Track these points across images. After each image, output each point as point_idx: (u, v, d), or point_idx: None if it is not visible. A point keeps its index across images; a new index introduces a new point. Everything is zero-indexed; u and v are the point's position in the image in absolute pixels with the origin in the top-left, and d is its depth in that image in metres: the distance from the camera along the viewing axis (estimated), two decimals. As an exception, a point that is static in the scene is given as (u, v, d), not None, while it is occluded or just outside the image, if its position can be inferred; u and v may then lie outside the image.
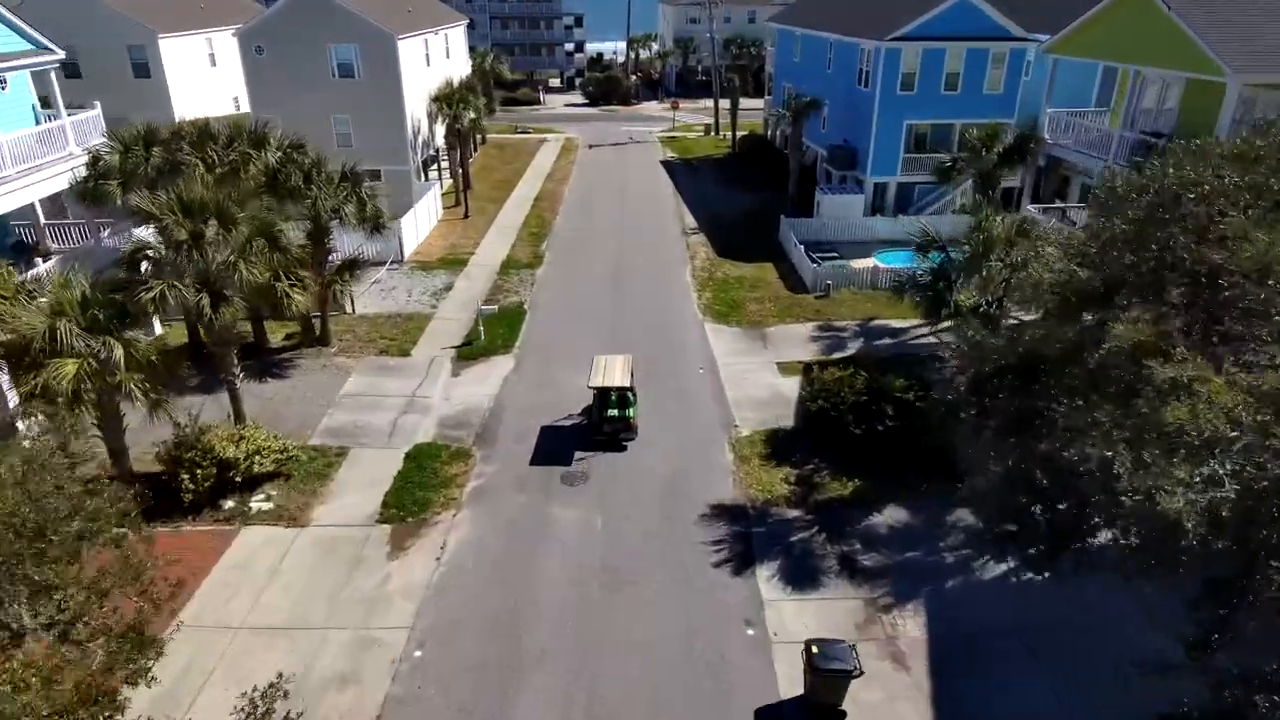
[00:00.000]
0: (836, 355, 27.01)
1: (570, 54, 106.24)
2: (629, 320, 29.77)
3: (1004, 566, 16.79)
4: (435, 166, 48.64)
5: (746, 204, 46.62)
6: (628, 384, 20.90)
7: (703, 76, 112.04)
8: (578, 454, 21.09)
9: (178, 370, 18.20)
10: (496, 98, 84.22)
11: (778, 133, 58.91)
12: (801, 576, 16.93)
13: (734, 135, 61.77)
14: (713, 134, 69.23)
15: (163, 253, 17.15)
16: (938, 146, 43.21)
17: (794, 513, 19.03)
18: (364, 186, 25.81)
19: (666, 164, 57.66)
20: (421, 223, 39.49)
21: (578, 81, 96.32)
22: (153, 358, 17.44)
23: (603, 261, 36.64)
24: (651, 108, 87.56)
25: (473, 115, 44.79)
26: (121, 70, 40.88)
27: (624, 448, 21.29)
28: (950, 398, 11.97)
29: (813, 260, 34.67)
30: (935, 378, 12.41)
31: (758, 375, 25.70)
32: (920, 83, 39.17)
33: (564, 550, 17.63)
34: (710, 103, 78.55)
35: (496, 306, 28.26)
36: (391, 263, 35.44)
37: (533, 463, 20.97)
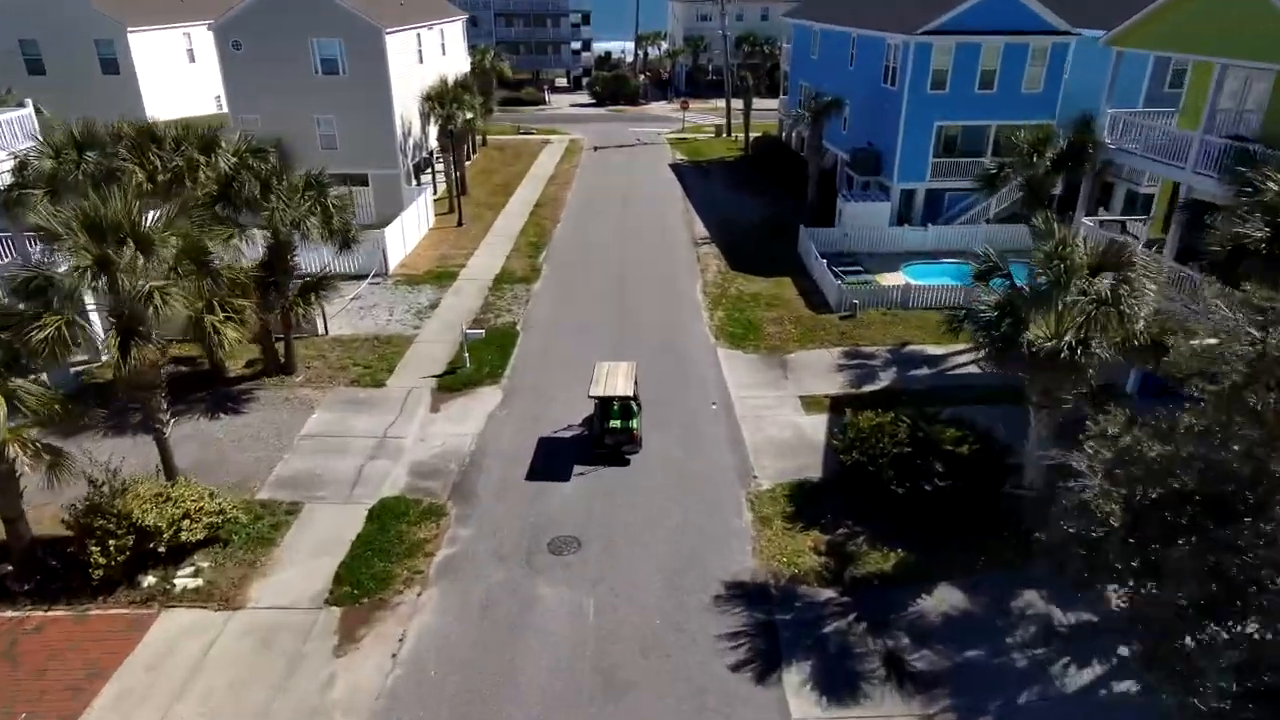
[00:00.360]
0: (868, 388, 23.80)
1: (577, 53, 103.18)
2: (633, 344, 26.62)
3: (1090, 674, 13.58)
4: (429, 170, 45.64)
5: (761, 211, 43.41)
6: (631, 393, 19.35)
7: (713, 76, 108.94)
8: (577, 468, 19.67)
9: (90, 415, 15.09)
10: (498, 97, 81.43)
11: (794, 134, 55.70)
12: (839, 684, 13.74)
13: (747, 137, 58.58)
14: (724, 135, 66.05)
15: (65, 280, 14.13)
16: (969, 150, 40.04)
17: (826, 593, 15.84)
18: (332, 195, 22.72)
19: (675, 167, 54.52)
20: (410, 231, 36.46)
21: (584, 81, 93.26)
22: (56, 406, 14.43)
23: (605, 275, 33.51)
24: (660, 108, 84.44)
25: (468, 115, 41.75)
26: (88, 67, 38.03)
27: (627, 461, 19.87)
28: (1094, 533, 8.43)
29: (836, 276, 31.49)
30: (1064, 498, 9.04)
31: (778, 412, 22.52)
32: (953, 81, 35.89)
33: (547, 647, 14.48)
34: (722, 103, 75.33)
35: (484, 331, 25.13)
36: (374, 276, 32.41)
37: (529, 477, 19.51)
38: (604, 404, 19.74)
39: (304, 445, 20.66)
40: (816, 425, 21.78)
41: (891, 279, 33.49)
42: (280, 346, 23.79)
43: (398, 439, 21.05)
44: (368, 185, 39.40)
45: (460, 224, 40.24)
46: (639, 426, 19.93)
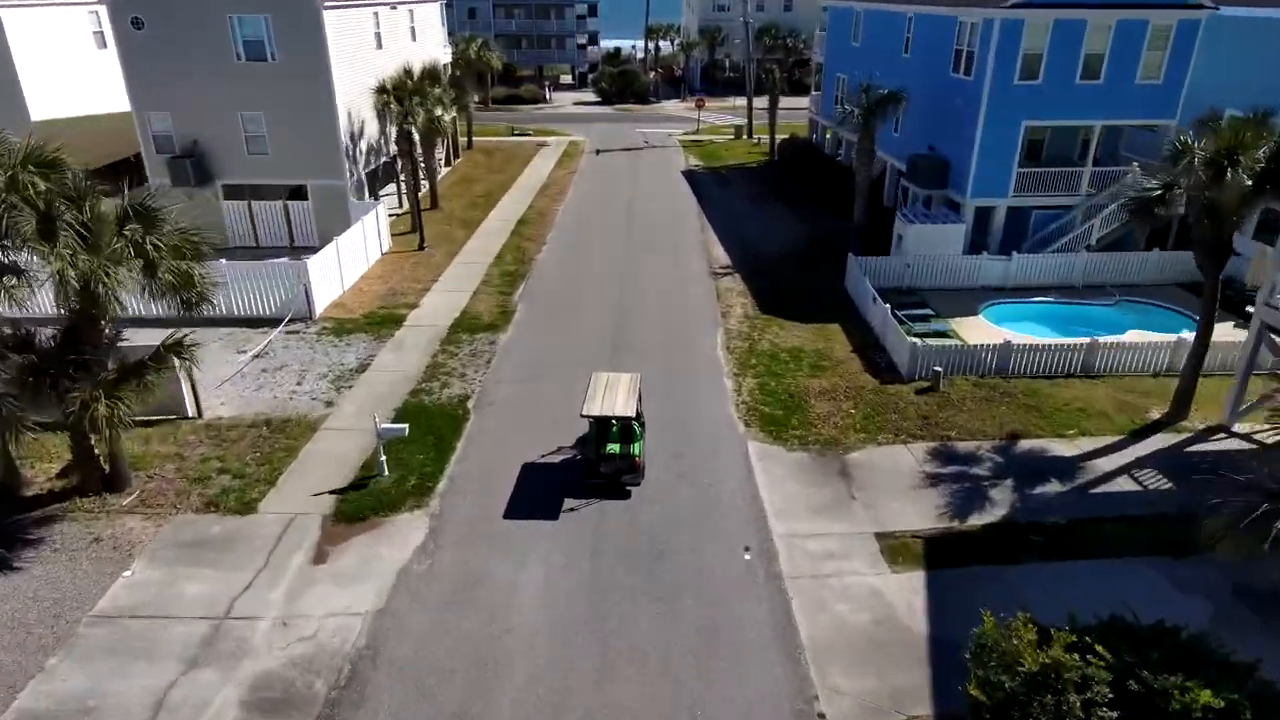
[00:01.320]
0: (977, 519, 15.83)
1: (582, 47, 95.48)
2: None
3: None
4: (396, 180, 37.96)
5: (795, 231, 35.42)
6: (633, 412, 16.04)
7: (730, 73, 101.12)
8: (568, 502, 16.53)
9: None
10: (492, 93, 73.98)
11: (828, 137, 47.74)
12: None
13: (772, 139, 50.60)
14: (745, 137, 58.09)
15: None
16: (1058, 157, 31.90)
17: None
18: (166, 231, 14.95)
19: (690, 175, 46.57)
20: (352, 259, 28.71)
21: (590, 77, 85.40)
22: None
23: (597, 321, 25.66)
24: (673, 107, 76.57)
25: (438, 113, 34.04)
26: (-51, 52, 30.63)
27: (627, 494, 16.69)
28: None
29: (903, 323, 23.55)
30: None
31: (847, 567, 14.58)
32: (1048, 68, 27.84)
33: None
34: (741, 101, 67.52)
35: (406, 428, 17.21)
36: (289, 323, 24.67)
37: (508, 515, 16.05)
38: (601, 425, 16.57)
39: (88, 639, 12.85)
40: (910, 595, 13.83)
41: (971, 326, 25.48)
42: (105, 450, 16.05)
43: (246, 622, 13.23)
44: (306, 199, 31.83)
45: (422, 247, 32.47)
46: (642, 451, 16.81)
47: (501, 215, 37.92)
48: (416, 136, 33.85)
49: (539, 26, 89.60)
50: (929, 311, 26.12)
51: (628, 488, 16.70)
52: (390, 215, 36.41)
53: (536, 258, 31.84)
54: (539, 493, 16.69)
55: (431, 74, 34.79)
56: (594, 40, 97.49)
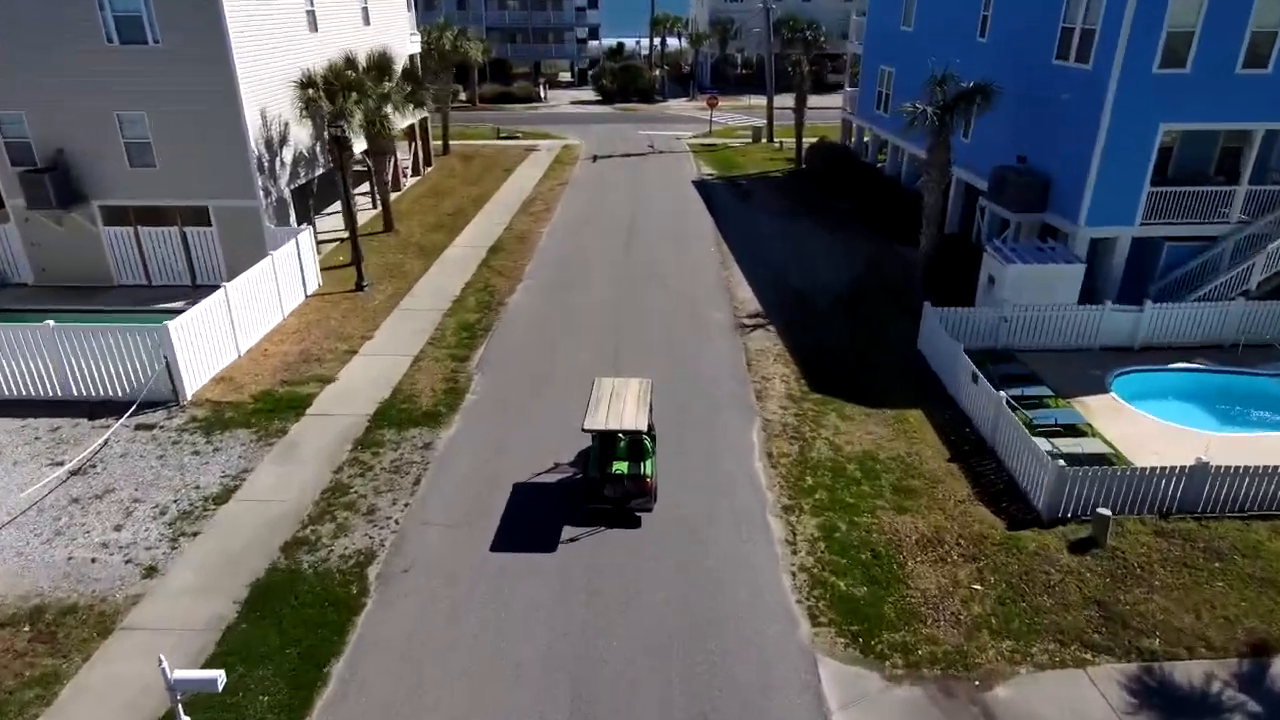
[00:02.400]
0: None
1: (582, 41, 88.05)
2: (621, 637, 11.54)
3: None
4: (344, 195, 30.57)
5: (837, 260, 27.97)
6: (644, 425, 13.55)
7: (743, 69, 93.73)
8: (567, 530, 13.75)
9: None
10: (483, 91, 66.43)
11: (865, 140, 40.31)
12: None
13: (799, 143, 43.12)
14: (765, 140, 50.61)
15: None
16: (1192, 173, 24.35)
17: None
18: None
19: (702, 186, 39.10)
20: (255, 310, 21.34)
21: (591, 74, 77.78)
22: None
23: (581, 407, 18.26)
24: (681, 106, 69.08)
25: (386, 113, 26.71)
26: None
27: (637, 522, 13.90)
28: None
29: (1014, 408, 16.14)
30: None
31: None
32: (1199, 51, 20.33)
33: None
34: (757, 99, 60.33)
35: (221, 678, 9.58)
36: (135, 413, 17.30)
37: (495, 548, 13.23)
38: (606, 440, 14.26)
39: None
40: None
41: (1105, 411, 18.09)
42: None
43: None
44: (210, 225, 24.50)
45: (360, 286, 25.11)
46: (654, 470, 14.17)
47: (471, 239, 30.50)
48: (361, 143, 26.50)
49: (535, 19, 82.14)
50: (1045, 392, 18.63)
51: (637, 514, 14.27)
52: (335, 240, 29.16)
53: (508, 301, 24.40)
54: (534, 519, 14.13)
55: (380, 64, 27.39)
56: (594, 35, 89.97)
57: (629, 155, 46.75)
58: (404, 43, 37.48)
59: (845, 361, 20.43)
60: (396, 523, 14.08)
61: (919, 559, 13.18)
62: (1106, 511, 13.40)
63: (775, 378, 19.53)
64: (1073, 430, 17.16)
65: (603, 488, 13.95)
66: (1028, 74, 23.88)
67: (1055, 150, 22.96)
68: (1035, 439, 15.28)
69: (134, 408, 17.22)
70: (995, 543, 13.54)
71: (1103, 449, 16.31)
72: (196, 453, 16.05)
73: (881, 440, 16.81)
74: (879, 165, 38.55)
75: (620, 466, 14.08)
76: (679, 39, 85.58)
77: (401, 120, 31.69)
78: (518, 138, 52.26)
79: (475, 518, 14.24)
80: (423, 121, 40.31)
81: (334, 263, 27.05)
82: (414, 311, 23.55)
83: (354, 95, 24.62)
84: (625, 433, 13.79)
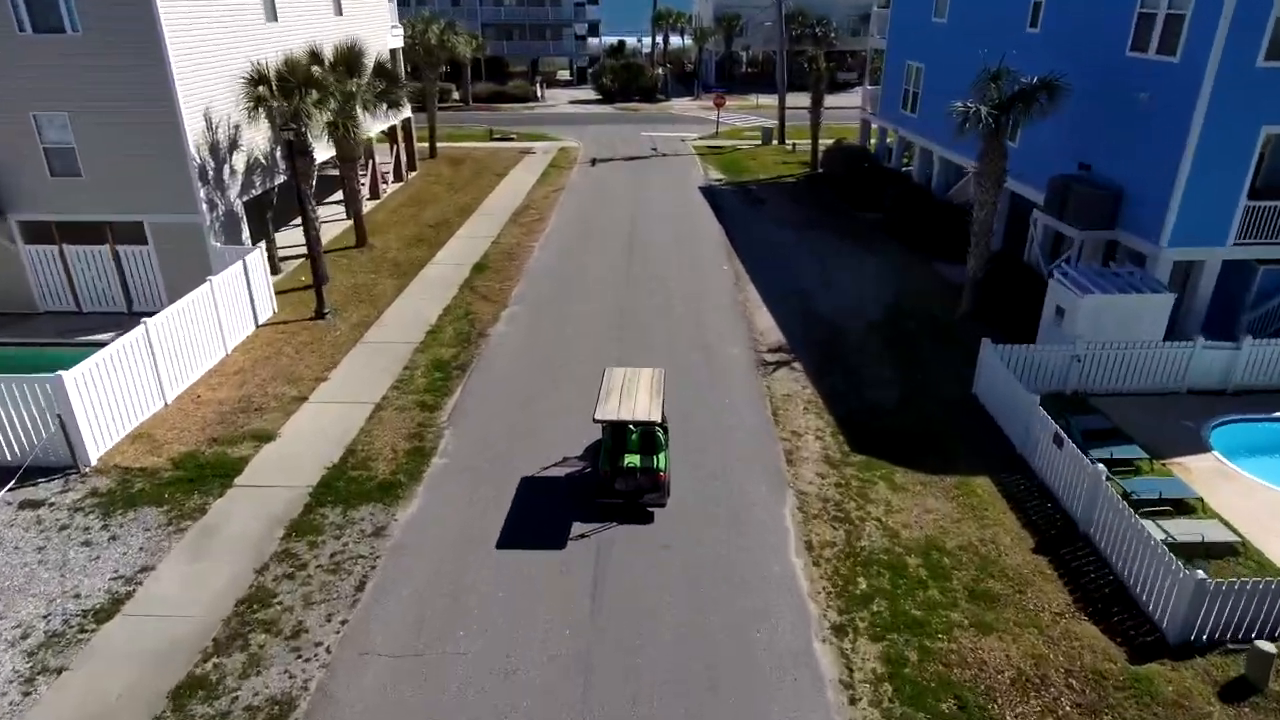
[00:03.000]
0: None
1: (581, 38, 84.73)
2: None
3: None
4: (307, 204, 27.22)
5: (866, 279, 24.65)
6: (658, 416, 13.06)
7: (748, 68, 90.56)
8: (576, 526, 13.07)
9: None
10: (476, 90, 62.92)
11: (889, 142, 37.03)
12: None
13: (814, 146, 39.78)
14: (777, 142, 47.25)
15: None
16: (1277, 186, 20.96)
17: None
18: None
19: (710, 193, 35.76)
20: (188, 347, 18.01)
21: (590, 72, 74.32)
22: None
23: (571, 457, 14.97)
24: (685, 106, 65.73)
25: (357, 115, 23.40)
26: None
27: (649, 517, 13.23)
28: None
29: (1136, 504, 12.79)
30: None
31: None
32: (1317, 38, 17.01)
33: None
34: (765, 99, 57.26)
35: None
36: (24, 482, 13.97)
37: (501, 544, 12.57)
38: (617, 431, 13.71)
39: None
40: None
41: (1208, 476, 14.77)
42: None
43: None
44: (146, 243, 21.20)
45: (321, 314, 21.79)
46: (667, 464, 13.62)
47: (454, 255, 27.19)
48: (328, 149, 23.18)
49: (532, 15, 78.75)
50: (1137, 453, 15.30)
51: (649, 509, 13.54)
52: (301, 256, 25.86)
53: (490, 332, 21.07)
54: (542, 516, 13.32)
55: (349, 59, 24.06)
56: (594, 31, 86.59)
57: (631, 159, 43.41)
58: (383, 36, 34.16)
59: (889, 411, 17.12)
60: (328, 651, 10.77)
61: (1019, 711, 9.85)
62: (1269, 647, 10.06)
63: (808, 433, 16.21)
64: (1181, 506, 13.86)
65: (614, 481, 13.44)
66: (1094, 69, 20.53)
67: (1130, 157, 19.62)
68: (1144, 522, 11.97)
69: (17, 477, 13.90)
70: (1118, 684, 10.21)
71: (1227, 536, 13.02)
72: (87, 543, 12.74)
73: (946, 521, 13.50)
74: (904, 170, 35.25)
75: (632, 460, 13.66)
76: (681, 36, 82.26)
77: (374, 123, 28.40)
78: (512, 139, 48.94)
79: (433, 643, 10.92)
80: (405, 123, 37.03)
81: (295, 284, 23.76)
82: (380, 345, 20.22)
83: (314, 94, 21.29)
84: (637, 424, 13.38)
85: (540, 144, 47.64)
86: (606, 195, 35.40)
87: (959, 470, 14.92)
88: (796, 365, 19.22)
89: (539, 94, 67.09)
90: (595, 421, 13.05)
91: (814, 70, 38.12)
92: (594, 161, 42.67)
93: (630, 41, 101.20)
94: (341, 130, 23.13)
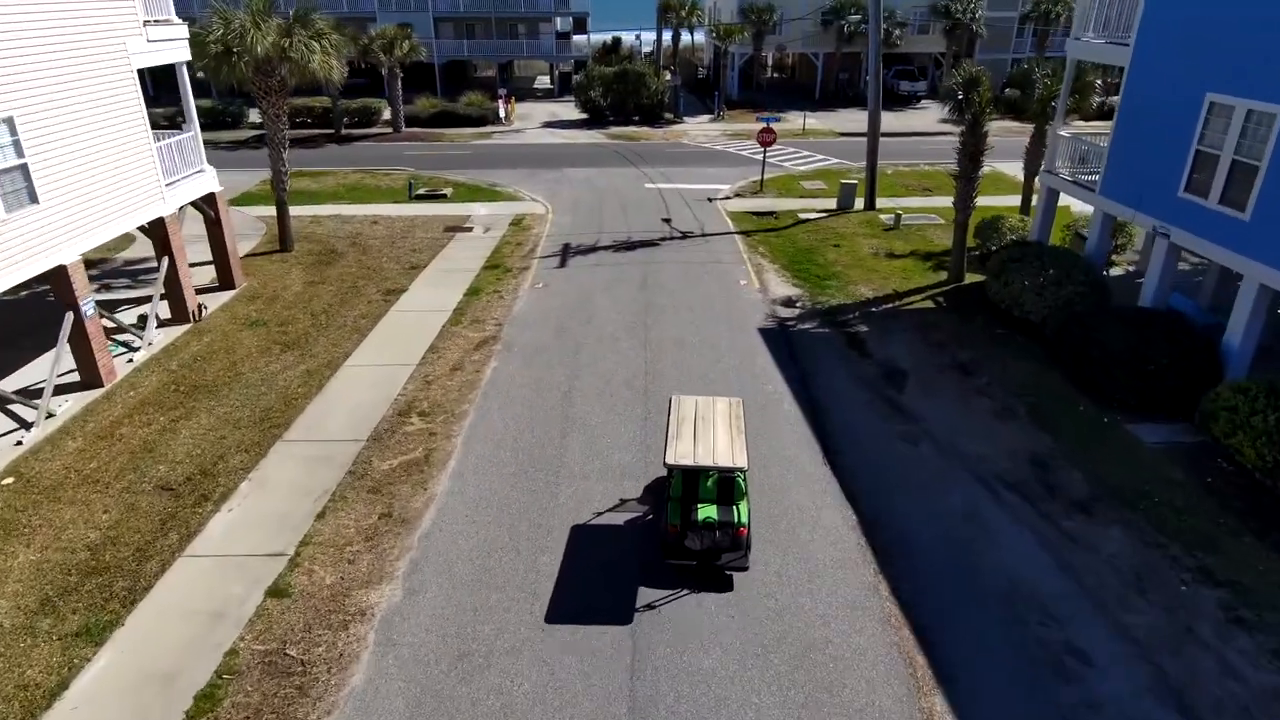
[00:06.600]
0: None
1: (564, 36, 66.84)
2: None
3: None
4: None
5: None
6: (743, 461, 10.56)
7: (775, 74, 72.90)
8: (643, 593, 10.65)
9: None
10: (420, 107, 43.76)
11: (1118, 244, 19.52)
12: None
13: (961, 238, 22.12)
14: (863, 205, 29.69)
15: None
16: None
17: None
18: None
19: (783, 342, 18.03)
20: None
21: (575, 81, 55.98)
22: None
23: None
24: (702, 129, 47.76)
25: None
26: None
27: (728, 583, 10.84)
28: None
29: None
30: None
31: None
32: None
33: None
34: (811, 121, 40.38)
35: None
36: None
37: (550, 619, 10.09)
38: (688, 479, 11.23)
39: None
40: None
41: None
42: None
43: None
44: None
45: None
46: (748, 518, 10.87)
47: (156, 642, 9.65)
48: None
49: (500, 6, 60.76)
50: None
51: (728, 574, 10.79)
52: None
53: None
54: (598, 577, 10.76)
55: None
56: (581, 27, 68.34)
57: (628, 246, 25.74)
58: (170, 48, 16.48)
59: None
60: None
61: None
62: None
63: None
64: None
65: (684, 537, 10.64)
66: None
67: None
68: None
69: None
70: None
71: None
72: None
73: None
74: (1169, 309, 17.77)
75: (708, 512, 10.80)
76: (692, 33, 64.61)
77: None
78: (443, 197, 31.38)
79: None
80: (209, 198, 19.59)
81: None
82: None
83: None
84: (717, 470, 10.52)
85: (485, 208, 30.10)
86: (584, 355, 17.79)
87: None
88: None
89: (501, 114, 49.14)
90: (666, 466, 10.49)
91: (971, 100, 20.34)
92: (567, 249, 25.12)
93: (627, 38, 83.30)
94: None
